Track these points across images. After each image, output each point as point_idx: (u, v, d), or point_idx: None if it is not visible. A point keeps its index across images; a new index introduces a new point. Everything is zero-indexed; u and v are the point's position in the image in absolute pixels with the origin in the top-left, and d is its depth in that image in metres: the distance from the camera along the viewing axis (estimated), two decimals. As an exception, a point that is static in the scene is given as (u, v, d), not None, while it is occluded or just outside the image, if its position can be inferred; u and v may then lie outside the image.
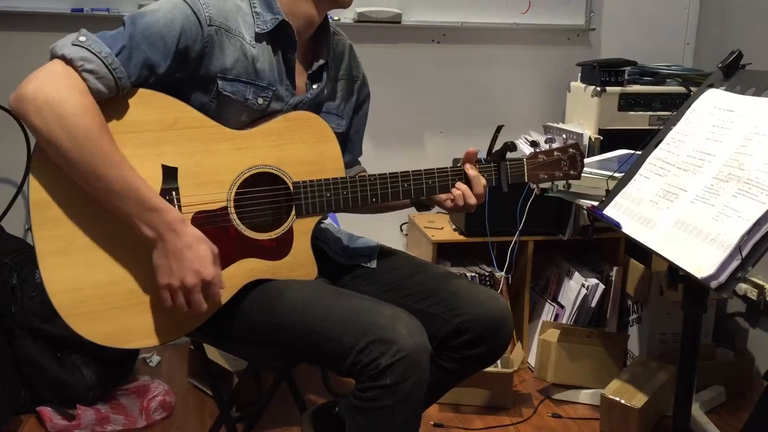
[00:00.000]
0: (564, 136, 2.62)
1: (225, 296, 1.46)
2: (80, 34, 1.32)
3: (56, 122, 1.26)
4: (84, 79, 1.29)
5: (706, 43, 3.04)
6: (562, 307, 2.67)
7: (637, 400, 2.24)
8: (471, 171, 1.57)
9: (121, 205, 1.31)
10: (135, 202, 1.31)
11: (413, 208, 1.69)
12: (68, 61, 1.29)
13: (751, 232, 1.39)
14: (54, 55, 1.30)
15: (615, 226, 1.67)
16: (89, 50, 1.30)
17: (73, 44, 1.30)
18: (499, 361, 2.41)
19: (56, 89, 1.26)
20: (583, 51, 2.98)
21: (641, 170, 1.73)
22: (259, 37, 1.49)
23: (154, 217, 1.32)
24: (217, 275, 1.37)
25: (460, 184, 1.56)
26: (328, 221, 1.80)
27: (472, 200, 1.56)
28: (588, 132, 2.58)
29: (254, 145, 1.48)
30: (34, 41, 2.49)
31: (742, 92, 1.66)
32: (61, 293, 1.33)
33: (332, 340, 1.37)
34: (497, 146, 1.61)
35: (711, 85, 1.76)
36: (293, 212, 1.51)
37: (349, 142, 1.74)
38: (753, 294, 2.62)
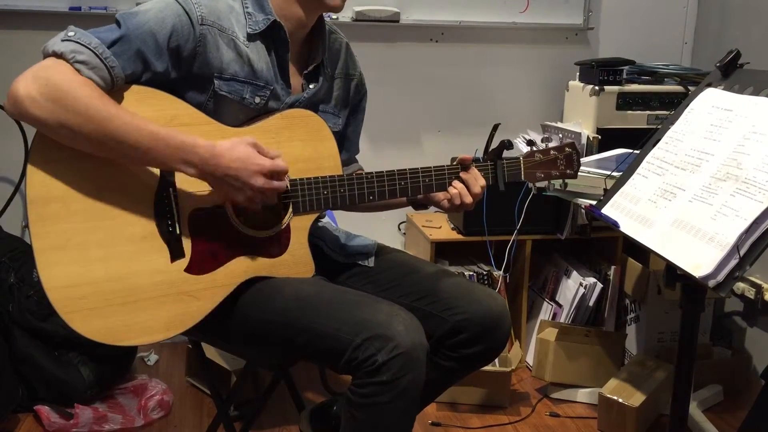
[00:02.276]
0: (562, 135, 2.62)
1: (222, 294, 1.46)
2: (68, 30, 1.32)
3: (57, 105, 1.26)
4: (77, 70, 1.29)
5: (704, 43, 3.04)
6: (560, 306, 2.67)
7: (635, 399, 2.24)
8: (464, 175, 1.56)
9: (155, 156, 1.33)
10: (164, 147, 1.32)
11: (411, 207, 1.69)
12: (59, 56, 1.29)
13: (749, 231, 1.39)
14: (46, 55, 1.31)
15: (613, 225, 1.67)
16: (79, 42, 1.30)
17: (62, 40, 1.30)
18: (496, 360, 2.41)
19: (46, 78, 1.27)
20: (581, 50, 2.98)
21: (639, 169, 1.73)
22: (251, 37, 1.49)
23: (188, 155, 1.34)
24: (267, 159, 1.39)
25: (456, 183, 1.56)
26: (325, 220, 1.80)
27: (468, 199, 1.55)
28: (586, 131, 2.58)
29: (252, 142, 1.47)
30: (31, 40, 2.49)
31: (740, 91, 1.66)
32: (58, 290, 1.33)
33: (329, 337, 1.37)
34: (494, 144, 1.61)
35: (709, 85, 1.76)
36: (290, 209, 1.50)
37: (346, 141, 1.74)
38: (750, 293, 2.62)
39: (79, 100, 1.27)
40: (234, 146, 1.37)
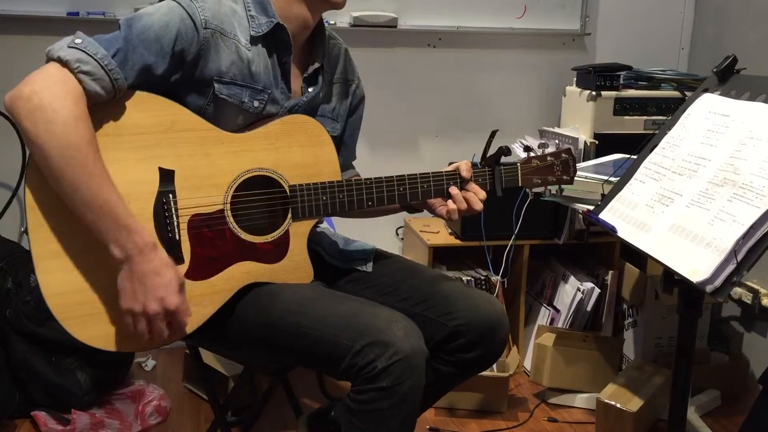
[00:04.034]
0: (559, 140, 2.63)
1: (220, 299, 1.46)
2: (76, 36, 1.32)
3: (45, 127, 1.25)
4: (80, 80, 1.28)
5: (700, 48, 3.05)
6: (557, 311, 2.67)
7: (633, 404, 2.24)
8: (464, 194, 1.55)
9: (95, 220, 1.28)
10: (108, 220, 1.28)
11: (405, 211, 1.69)
12: (64, 63, 1.28)
13: (746, 236, 1.39)
14: (50, 58, 1.30)
15: (610, 231, 1.68)
16: (85, 52, 1.30)
17: (69, 47, 1.30)
18: (494, 365, 2.41)
19: (51, 95, 1.26)
20: (578, 55, 2.99)
21: (636, 174, 1.74)
22: (254, 40, 1.49)
23: (124, 237, 1.29)
24: (182, 304, 1.33)
25: (456, 197, 1.55)
26: (324, 225, 1.80)
27: (464, 205, 1.55)
28: (583, 136, 2.59)
29: (251, 148, 1.48)
30: (29, 45, 2.49)
31: (737, 97, 1.67)
32: (56, 296, 1.33)
33: (328, 343, 1.37)
34: (491, 151, 1.61)
35: (706, 90, 1.76)
36: (289, 215, 1.51)
37: (343, 146, 1.74)
38: (748, 298, 2.62)
39: (67, 134, 1.25)
40: (170, 268, 1.32)
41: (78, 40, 1.31)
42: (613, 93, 2.60)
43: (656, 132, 1.79)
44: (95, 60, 1.30)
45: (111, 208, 1.29)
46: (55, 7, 2.48)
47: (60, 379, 2.26)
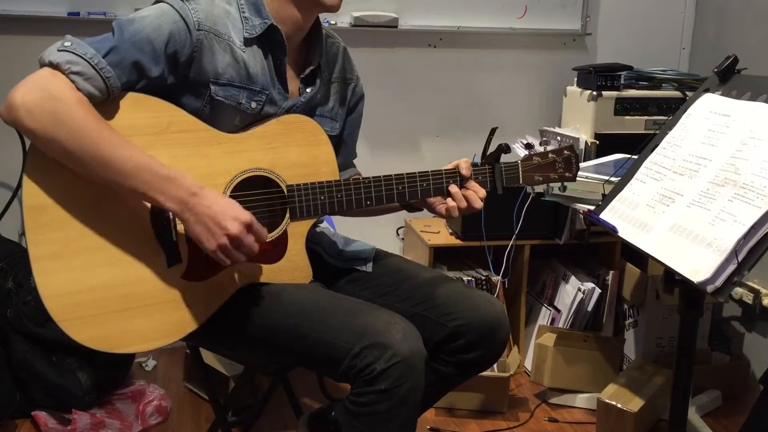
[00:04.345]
0: (560, 140, 2.63)
1: (219, 300, 1.46)
2: (65, 39, 1.32)
3: (50, 119, 1.26)
4: (72, 81, 1.29)
5: (701, 48, 3.04)
6: (558, 311, 2.67)
7: (634, 404, 2.23)
8: (464, 192, 1.53)
9: (137, 184, 1.30)
10: (150, 177, 1.30)
11: (405, 210, 1.68)
12: (55, 66, 1.29)
13: (747, 236, 1.39)
14: (42, 64, 1.31)
15: (611, 231, 1.67)
16: (74, 53, 1.30)
17: (58, 50, 1.30)
18: (495, 365, 2.41)
19: (44, 90, 1.27)
20: (579, 55, 2.98)
21: (637, 174, 1.73)
22: (248, 42, 1.49)
23: (171, 187, 1.31)
24: (250, 213, 1.35)
25: (456, 196, 1.54)
26: (324, 225, 1.80)
27: (463, 203, 1.54)
28: (584, 136, 2.59)
29: (248, 148, 1.47)
30: (29, 45, 2.48)
31: (738, 97, 1.66)
32: (54, 298, 1.33)
33: (327, 345, 1.37)
34: (491, 148, 1.60)
35: (707, 90, 1.76)
36: (287, 215, 1.50)
37: (343, 145, 1.74)
38: (749, 298, 2.62)
39: (73, 117, 1.27)
40: (220, 194, 1.36)
41: (67, 43, 1.31)
42: (614, 93, 2.60)
43: (657, 132, 1.79)
44: (85, 60, 1.30)
45: (148, 165, 1.30)
46: (56, 7, 2.48)
47: (60, 379, 2.26)
